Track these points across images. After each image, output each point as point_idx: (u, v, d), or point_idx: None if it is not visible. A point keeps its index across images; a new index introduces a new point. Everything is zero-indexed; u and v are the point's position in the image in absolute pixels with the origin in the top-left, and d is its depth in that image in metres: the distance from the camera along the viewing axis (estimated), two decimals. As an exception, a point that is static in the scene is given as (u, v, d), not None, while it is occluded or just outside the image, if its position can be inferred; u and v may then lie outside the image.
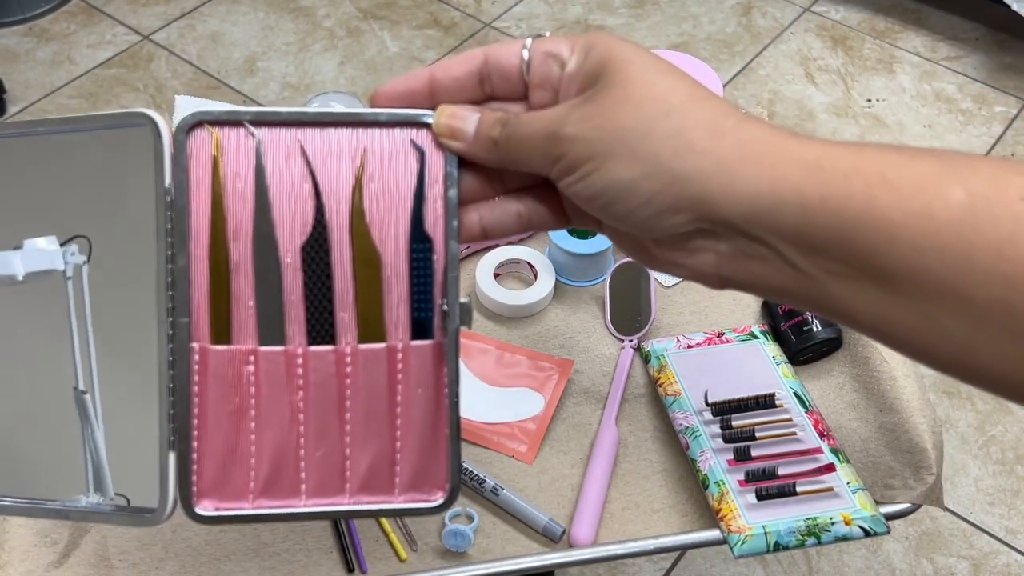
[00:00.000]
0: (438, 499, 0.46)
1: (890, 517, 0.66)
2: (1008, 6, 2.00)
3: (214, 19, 2.18)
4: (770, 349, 0.75)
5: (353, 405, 0.46)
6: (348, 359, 0.46)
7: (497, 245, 0.84)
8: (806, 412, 0.70)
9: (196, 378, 0.45)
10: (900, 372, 0.73)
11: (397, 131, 0.45)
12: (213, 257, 0.45)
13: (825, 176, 0.34)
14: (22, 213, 0.49)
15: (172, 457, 0.44)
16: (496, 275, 0.81)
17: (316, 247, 0.46)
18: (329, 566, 0.65)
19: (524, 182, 0.44)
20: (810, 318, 0.75)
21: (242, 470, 0.46)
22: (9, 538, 0.63)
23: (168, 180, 0.44)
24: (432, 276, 0.46)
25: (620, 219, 0.39)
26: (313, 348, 0.46)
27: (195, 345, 0.45)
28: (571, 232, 0.82)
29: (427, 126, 0.44)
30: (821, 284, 0.36)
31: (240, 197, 0.45)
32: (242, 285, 0.46)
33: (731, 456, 0.67)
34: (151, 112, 0.44)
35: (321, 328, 0.46)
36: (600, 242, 0.80)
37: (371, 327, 0.46)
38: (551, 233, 0.81)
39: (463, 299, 0.45)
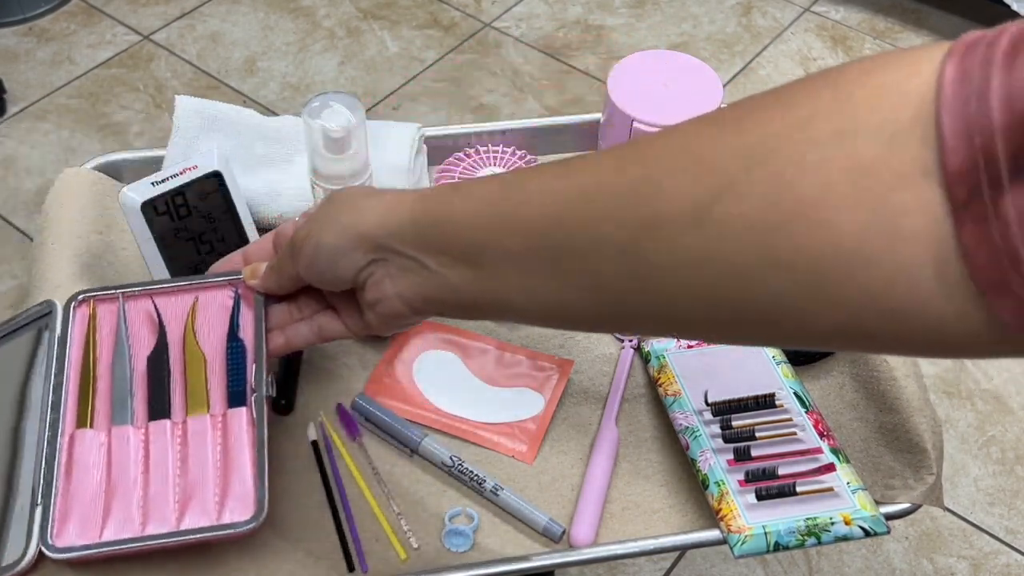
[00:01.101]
0: (253, 518, 0.60)
1: (890, 517, 0.66)
2: (1008, 6, 2.00)
3: (214, 19, 2.17)
4: (770, 349, 0.75)
5: (183, 459, 0.63)
6: (179, 427, 0.65)
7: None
8: (806, 412, 0.70)
9: (64, 454, 0.63)
10: (900, 372, 0.73)
11: (219, 288, 0.70)
12: (83, 372, 0.67)
13: (427, 201, 0.52)
14: None
15: (38, 511, 0.60)
16: (496, 275, 0.80)
17: (158, 356, 0.68)
18: (329, 566, 0.65)
19: (313, 308, 0.65)
20: (810, 318, 0.75)
21: (94, 514, 0.61)
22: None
23: (58, 330, 0.68)
24: (245, 364, 0.66)
25: (327, 271, 0.58)
26: (152, 422, 0.65)
27: (65, 431, 0.64)
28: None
29: (239, 279, 0.68)
30: (445, 278, 0.50)
31: (106, 335, 0.68)
32: (102, 388, 0.66)
33: (731, 456, 0.67)
34: (52, 300, 0.70)
35: (159, 408, 0.66)
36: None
37: (197, 403, 0.66)
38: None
39: (267, 378, 0.64)
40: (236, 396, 0.65)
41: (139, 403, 0.66)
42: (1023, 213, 0.28)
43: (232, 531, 0.60)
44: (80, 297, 0.69)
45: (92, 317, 0.69)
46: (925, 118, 0.31)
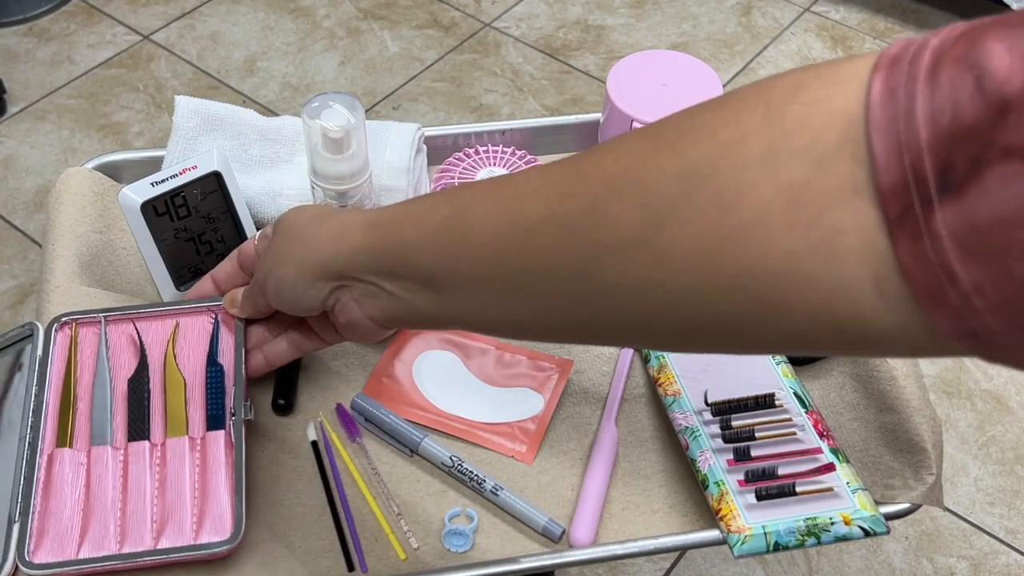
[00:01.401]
0: (231, 537, 0.61)
1: (890, 517, 0.66)
2: (1008, 6, 2.00)
3: (214, 19, 2.17)
4: (770, 349, 0.75)
5: (162, 479, 0.64)
6: (158, 448, 0.66)
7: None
8: (806, 412, 0.70)
9: (43, 473, 0.63)
10: (900, 372, 0.73)
11: (199, 313, 0.71)
12: (64, 392, 0.67)
13: (377, 228, 0.52)
14: None
15: (15, 528, 0.61)
16: (496, 275, 0.80)
17: (138, 379, 0.69)
18: (329, 566, 0.65)
19: (288, 324, 0.68)
20: (810, 318, 0.75)
21: (72, 532, 0.62)
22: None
23: (40, 352, 0.68)
24: (224, 388, 0.68)
25: (295, 303, 0.60)
26: (132, 443, 0.66)
27: (44, 450, 0.64)
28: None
29: (219, 304, 0.70)
30: (408, 300, 0.52)
31: (87, 357, 0.69)
32: (83, 409, 0.67)
33: (731, 456, 0.67)
34: (34, 322, 0.70)
35: (138, 429, 0.66)
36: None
37: (176, 426, 0.67)
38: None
39: (245, 403, 0.66)
40: (215, 419, 0.67)
41: (119, 424, 0.67)
42: (953, 230, 0.28)
43: (208, 552, 0.61)
44: (62, 320, 0.70)
45: (74, 339, 0.70)
46: (854, 136, 0.31)
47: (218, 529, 0.62)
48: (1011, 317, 0.29)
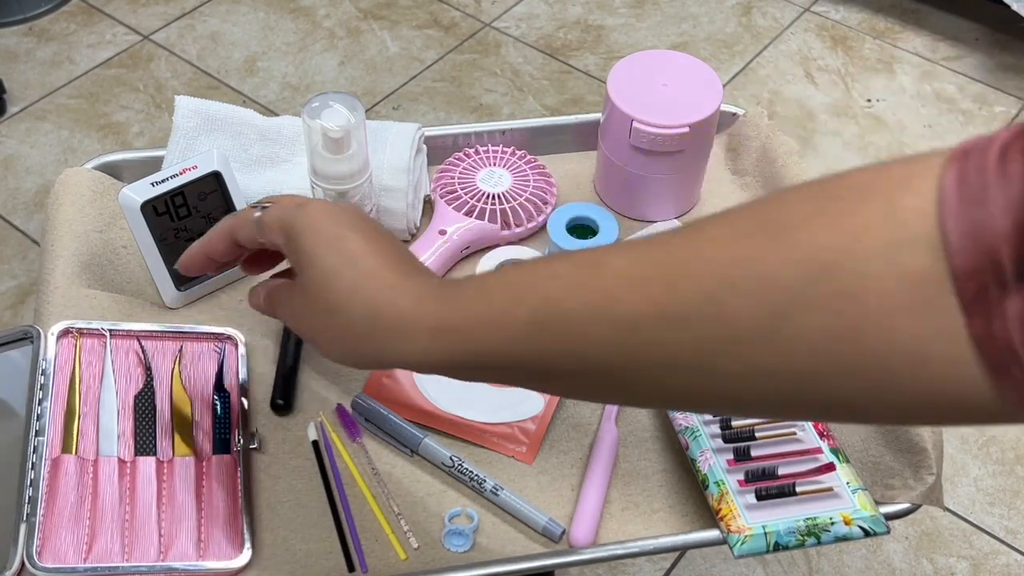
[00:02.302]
0: (237, 559, 0.63)
1: (890, 517, 0.66)
2: (1008, 6, 2.00)
3: (214, 19, 2.17)
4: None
5: (168, 496, 0.65)
6: (165, 466, 0.67)
7: (497, 245, 0.84)
8: (806, 412, 0.70)
9: (47, 476, 0.64)
10: (900, 372, 0.73)
11: (203, 340, 0.73)
12: (69, 400, 0.67)
13: (446, 336, 0.47)
14: None
15: (23, 527, 0.61)
16: (496, 275, 0.80)
17: (145, 396, 0.69)
18: (329, 566, 0.65)
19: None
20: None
21: (78, 539, 0.62)
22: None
23: (42, 358, 0.68)
24: (230, 413, 0.70)
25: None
26: (139, 457, 0.66)
27: (49, 454, 0.64)
28: (570, 231, 0.82)
29: (224, 332, 0.73)
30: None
31: (91, 368, 0.70)
32: (88, 419, 0.67)
33: (731, 456, 0.67)
34: (34, 327, 0.70)
35: (145, 444, 0.67)
36: (600, 241, 0.80)
37: (183, 444, 0.68)
38: (551, 232, 0.81)
39: (252, 430, 0.69)
40: (222, 443, 0.68)
41: (126, 437, 0.67)
42: (1021, 313, 0.31)
43: (214, 570, 0.62)
44: (65, 327, 0.70)
45: (77, 348, 0.70)
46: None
47: (224, 552, 0.63)
48: None
